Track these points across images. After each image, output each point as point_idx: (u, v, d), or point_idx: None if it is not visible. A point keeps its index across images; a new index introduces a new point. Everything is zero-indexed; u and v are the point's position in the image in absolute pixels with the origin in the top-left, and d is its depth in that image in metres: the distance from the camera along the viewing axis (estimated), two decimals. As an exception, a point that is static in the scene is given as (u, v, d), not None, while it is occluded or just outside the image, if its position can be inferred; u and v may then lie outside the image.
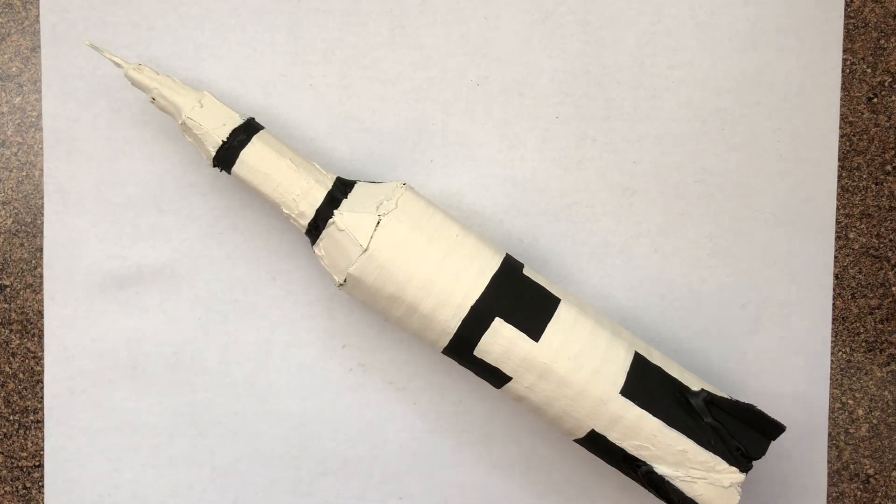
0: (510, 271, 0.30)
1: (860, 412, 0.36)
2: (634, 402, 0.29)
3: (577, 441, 0.31)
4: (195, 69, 0.35)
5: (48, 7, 0.35)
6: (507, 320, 0.29)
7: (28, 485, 0.35)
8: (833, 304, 0.36)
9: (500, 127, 0.35)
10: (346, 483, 0.35)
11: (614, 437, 0.30)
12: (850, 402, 0.36)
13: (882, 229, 0.36)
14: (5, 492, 0.35)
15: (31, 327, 0.35)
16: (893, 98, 0.36)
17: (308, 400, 0.35)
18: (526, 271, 0.31)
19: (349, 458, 0.35)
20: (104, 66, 0.35)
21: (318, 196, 0.30)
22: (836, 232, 0.36)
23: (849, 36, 0.36)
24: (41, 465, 0.35)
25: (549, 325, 0.29)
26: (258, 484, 0.35)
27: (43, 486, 0.35)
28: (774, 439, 0.30)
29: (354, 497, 0.35)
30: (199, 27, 0.35)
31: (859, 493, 0.36)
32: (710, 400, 0.30)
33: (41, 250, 0.35)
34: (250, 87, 0.35)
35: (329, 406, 0.35)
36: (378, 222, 0.29)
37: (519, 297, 0.30)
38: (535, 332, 0.29)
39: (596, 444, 0.30)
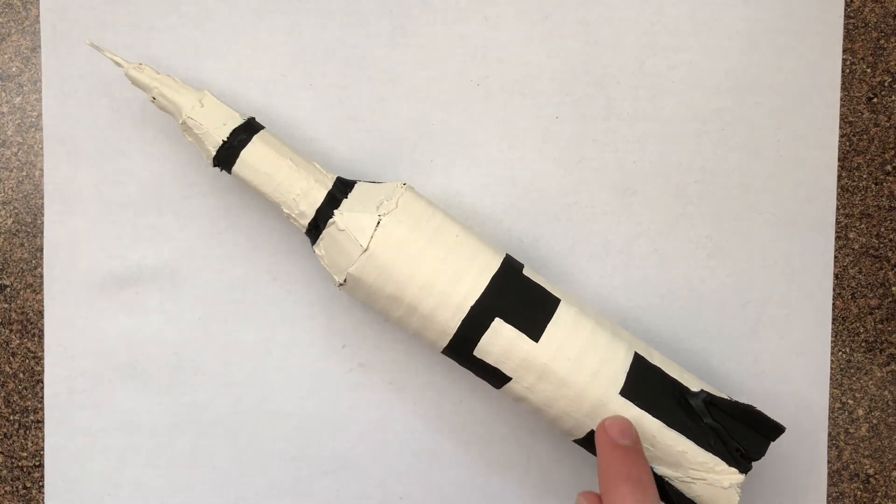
0: (510, 271, 0.30)
1: (860, 412, 0.36)
2: (634, 402, 0.29)
3: (577, 441, 0.31)
4: (195, 69, 0.35)
5: (48, 7, 0.35)
6: (507, 320, 0.29)
7: (28, 485, 0.35)
8: (833, 304, 0.36)
9: (500, 127, 0.35)
10: (346, 483, 0.35)
11: None
12: (850, 401, 0.36)
13: (882, 229, 0.36)
14: (5, 492, 0.35)
15: (31, 327, 0.35)
16: (893, 98, 0.36)
17: (308, 400, 0.35)
18: (526, 272, 0.31)
19: (349, 458, 0.35)
20: (104, 66, 0.35)
21: (319, 196, 0.30)
22: (836, 232, 0.36)
23: (849, 36, 0.36)
24: (41, 465, 0.35)
25: (549, 326, 0.29)
26: (258, 484, 0.35)
27: (43, 486, 0.35)
28: (774, 440, 0.30)
29: (354, 497, 0.35)
30: (199, 27, 0.35)
31: (859, 493, 0.36)
32: (710, 401, 0.30)
33: (41, 250, 0.35)
34: (250, 87, 0.35)
35: (329, 406, 0.35)
36: (378, 222, 0.29)
37: (519, 298, 0.29)
38: (535, 332, 0.29)
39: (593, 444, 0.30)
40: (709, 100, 0.35)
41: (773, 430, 0.30)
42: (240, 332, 0.35)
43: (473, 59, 0.35)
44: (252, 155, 0.30)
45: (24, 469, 0.35)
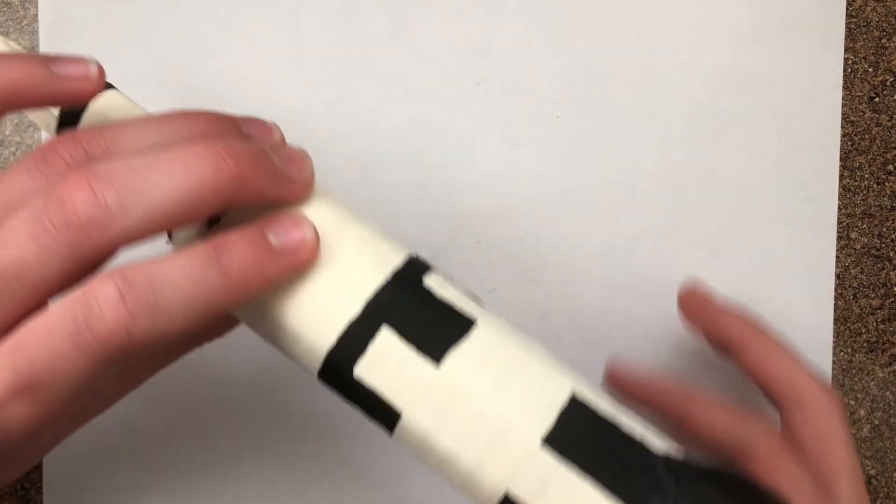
0: (409, 280, 0.23)
1: (862, 413, 0.36)
2: (565, 455, 0.20)
3: None
4: (195, 69, 0.35)
5: (47, 6, 0.35)
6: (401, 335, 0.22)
7: (27, 486, 0.35)
8: (834, 304, 0.36)
9: (501, 127, 0.35)
10: (346, 484, 0.35)
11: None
12: (852, 402, 0.36)
13: (884, 229, 0.36)
14: (4, 493, 0.35)
15: (30, 327, 0.35)
16: (895, 97, 0.36)
17: (308, 400, 0.35)
18: (430, 281, 0.23)
19: (349, 458, 0.35)
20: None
21: None
22: (838, 232, 0.36)
23: (850, 35, 0.36)
24: (40, 466, 0.35)
25: (455, 349, 0.22)
26: (258, 484, 0.35)
27: (42, 487, 0.35)
28: None
29: (354, 497, 0.35)
30: (199, 27, 0.35)
31: (861, 494, 0.36)
32: (677, 468, 0.21)
33: (40, 250, 0.35)
34: (250, 86, 0.35)
35: (329, 406, 0.35)
36: None
37: (418, 312, 0.22)
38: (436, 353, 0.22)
39: None
40: (710, 99, 0.35)
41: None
42: (239, 332, 0.35)
43: (474, 59, 0.35)
44: None
45: (23, 469, 0.35)
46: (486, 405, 0.21)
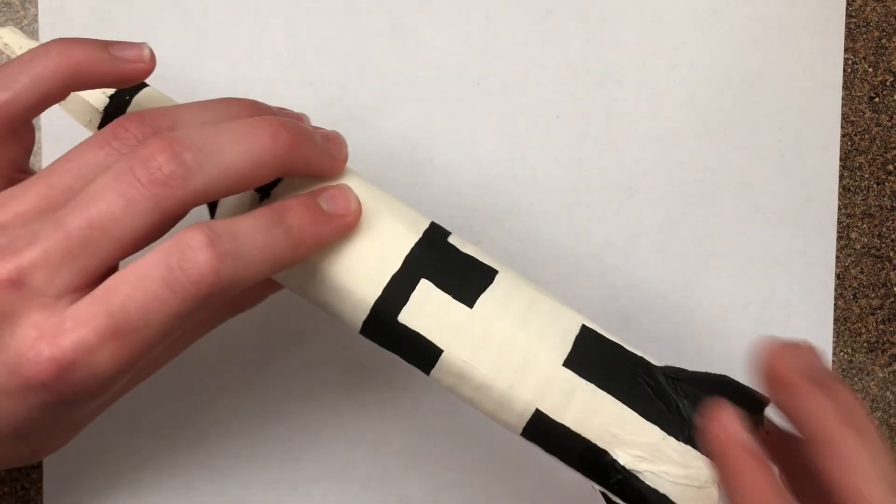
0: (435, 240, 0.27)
1: (862, 413, 0.36)
2: (584, 377, 0.25)
3: (525, 433, 0.26)
4: (195, 69, 0.35)
5: (47, 6, 0.35)
6: (437, 285, 0.26)
7: (27, 486, 0.35)
8: (834, 304, 0.36)
9: (501, 126, 0.35)
10: (346, 484, 0.35)
11: (569, 420, 0.25)
12: (852, 402, 0.36)
13: (884, 229, 0.36)
14: (4, 493, 0.35)
15: (30, 327, 0.35)
16: (895, 97, 0.36)
17: (308, 400, 0.35)
18: (452, 240, 0.27)
19: (349, 459, 0.35)
20: (103, 66, 0.35)
21: None
22: (838, 232, 0.36)
23: (850, 35, 0.36)
24: (39, 466, 0.35)
25: (485, 293, 0.26)
26: (258, 485, 0.35)
27: (41, 487, 0.35)
28: (760, 422, 0.25)
29: (354, 498, 0.35)
30: (199, 27, 0.35)
31: (861, 494, 0.36)
32: (674, 376, 0.25)
33: (40, 250, 0.35)
34: (250, 86, 0.35)
35: (329, 407, 0.35)
36: None
37: (447, 265, 0.26)
38: (468, 298, 0.26)
39: (545, 431, 0.25)
40: (710, 99, 0.35)
41: (754, 404, 0.25)
42: (240, 332, 0.35)
43: (474, 58, 0.35)
44: None
45: (23, 470, 0.35)
46: (514, 337, 0.25)
